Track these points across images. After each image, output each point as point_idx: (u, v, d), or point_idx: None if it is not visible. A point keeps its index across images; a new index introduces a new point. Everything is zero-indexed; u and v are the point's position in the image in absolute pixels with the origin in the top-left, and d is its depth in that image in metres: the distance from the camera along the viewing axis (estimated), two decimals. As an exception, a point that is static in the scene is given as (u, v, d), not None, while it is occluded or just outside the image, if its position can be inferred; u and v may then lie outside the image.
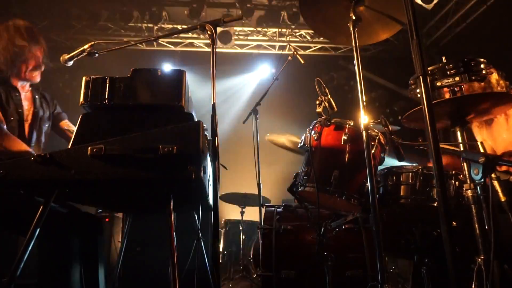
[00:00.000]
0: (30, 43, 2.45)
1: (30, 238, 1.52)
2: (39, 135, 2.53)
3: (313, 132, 2.37)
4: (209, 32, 1.96)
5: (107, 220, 4.43)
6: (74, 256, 2.15)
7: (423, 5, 5.61)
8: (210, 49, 1.92)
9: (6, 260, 3.32)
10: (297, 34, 7.42)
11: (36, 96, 2.59)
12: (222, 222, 5.65)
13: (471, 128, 3.05)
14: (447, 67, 1.83)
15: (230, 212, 6.38)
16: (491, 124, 2.96)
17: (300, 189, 2.30)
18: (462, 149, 1.86)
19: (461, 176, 2.18)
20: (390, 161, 2.47)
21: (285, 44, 7.31)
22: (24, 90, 2.53)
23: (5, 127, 2.26)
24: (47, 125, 2.61)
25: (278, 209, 3.11)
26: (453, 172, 2.22)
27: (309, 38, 7.45)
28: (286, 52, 7.29)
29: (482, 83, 2.62)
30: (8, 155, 2.09)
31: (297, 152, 3.31)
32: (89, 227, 2.26)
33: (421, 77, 1.29)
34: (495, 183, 1.84)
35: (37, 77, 2.53)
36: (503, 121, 2.88)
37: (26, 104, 2.50)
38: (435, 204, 2.16)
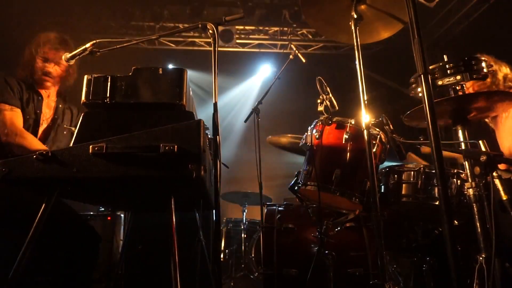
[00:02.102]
0: (59, 49, 2.55)
1: (32, 237, 1.52)
2: (55, 140, 2.59)
3: (314, 130, 2.37)
4: (210, 31, 1.96)
5: (108, 218, 4.44)
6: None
7: (425, 3, 5.59)
8: (211, 48, 1.93)
9: (9, 258, 3.33)
10: (299, 32, 7.41)
11: (60, 106, 2.68)
12: (224, 220, 5.66)
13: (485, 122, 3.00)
14: (447, 66, 1.83)
15: (231, 211, 6.38)
16: (495, 121, 2.93)
17: (301, 187, 2.30)
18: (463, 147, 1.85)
19: (463, 174, 2.18)
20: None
21: (286, 43, 7.29)
22: (49, 97, 2.64)
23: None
24: (66, 138, 2.67)
25: (279, 208, 3.11)
26: (455, 171, 2.22)
27: (310, 36, 7.44)
28: (287, 51, 7.29)
29: (488, 79, 2.61)
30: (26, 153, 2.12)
31: (298, 153, 3.31)
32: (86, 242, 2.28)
33: (422, 75, 1.29)
34: (497, 181, 1.84)
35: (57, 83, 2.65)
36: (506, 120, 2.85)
37: (47, 111, 2.59)
38: (437, 203, 2.16)
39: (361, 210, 2.33)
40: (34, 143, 2.31)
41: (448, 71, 1.81)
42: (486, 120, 2.87)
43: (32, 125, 2.48)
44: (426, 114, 1.26)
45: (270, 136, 3.43)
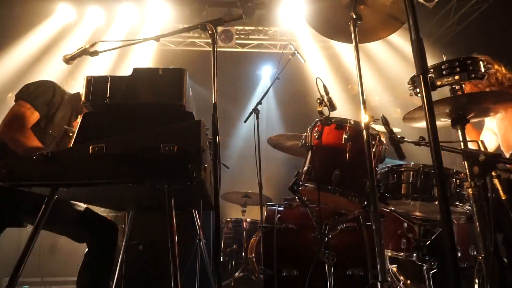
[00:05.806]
0: None
1: (33, 236, 1.52)
2: None
3: (314, 131, 2.37)
4: (210, 32, 1.96)
5: (108, 219, 4.45)
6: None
7: (424, 3, 5.59)
8: (211, 48, 1.93)
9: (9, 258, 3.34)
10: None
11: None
12: (223, 221, 5.66)
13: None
14: (443, 66, 1.83)
15: (231, 211, 6.38)
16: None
17: (301, 187, 2.30)
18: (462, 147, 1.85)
19: (462, 174, 2.18)
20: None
21: (286, 43, 7.28)
22: None
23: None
24: None
25: (279, 208, 3.11)
26: (454, 170, 2.22)
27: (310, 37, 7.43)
28: (287, 51, 7.27)
29: (492, 81, 2.61)
30: (24, 151, 2.07)
31: (298, 155, 3.31)
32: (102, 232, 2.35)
33: (421, 76, 1.29)
34: (496, 181, 1.84)
35: None
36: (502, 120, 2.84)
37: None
38: (436, 203, 2.16)
39: (361, 210, 2.34)
40: (34, 142, 2.13)
41: (444, 72, 1.81)
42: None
43: (53, 145, 2.36)
44: (425, 114, 1.26)
45: (270, 137, 3.43)
